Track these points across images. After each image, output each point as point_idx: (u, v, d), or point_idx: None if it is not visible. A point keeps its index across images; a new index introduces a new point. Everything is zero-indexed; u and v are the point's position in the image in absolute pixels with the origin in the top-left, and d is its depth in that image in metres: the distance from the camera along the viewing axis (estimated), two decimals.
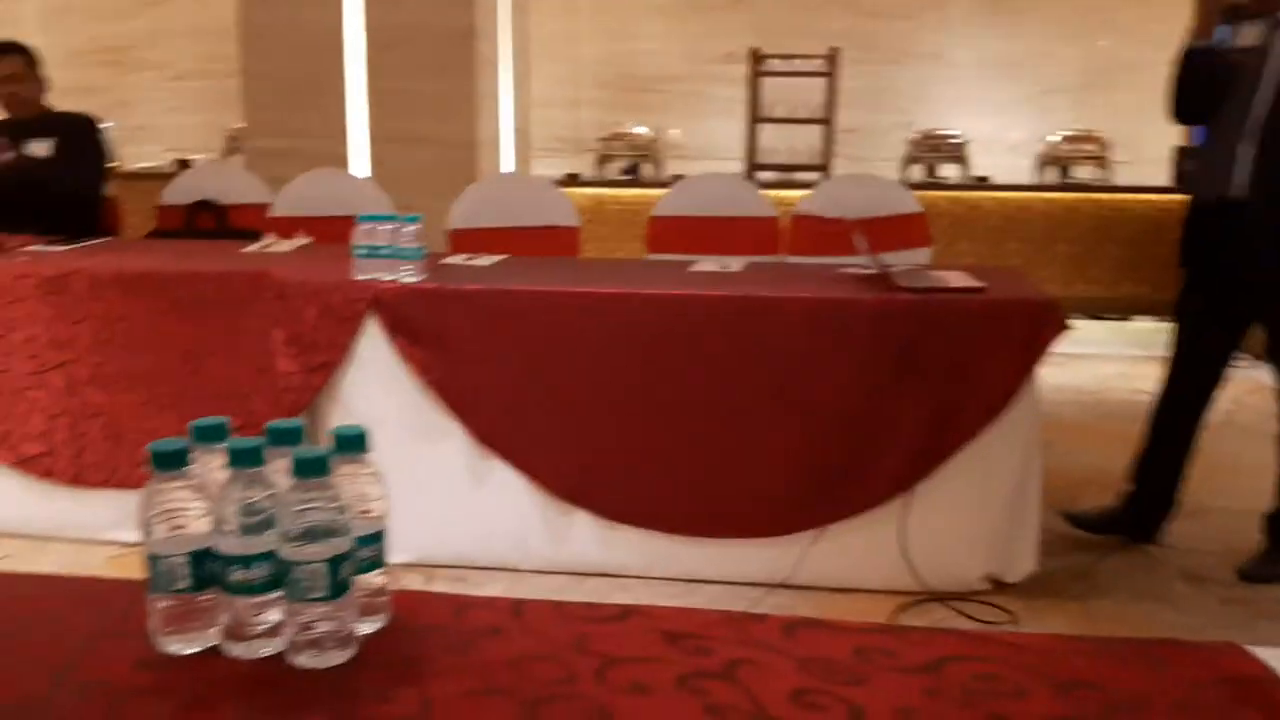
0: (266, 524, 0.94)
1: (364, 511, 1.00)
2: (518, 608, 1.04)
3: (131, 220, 4.50)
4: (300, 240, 3.56)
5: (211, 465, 0.98)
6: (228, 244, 3.59)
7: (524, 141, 5.67)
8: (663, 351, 2.79)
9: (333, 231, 3.76)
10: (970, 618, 2.69)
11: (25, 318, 3.06)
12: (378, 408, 2.95)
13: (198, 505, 0.96)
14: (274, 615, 0.96)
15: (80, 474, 3.07)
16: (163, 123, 7.92)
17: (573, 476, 2.90)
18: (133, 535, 2.92)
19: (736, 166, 6.84)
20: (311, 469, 0.93)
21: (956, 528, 2.80)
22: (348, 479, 0.97)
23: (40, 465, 3.08)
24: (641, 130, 7.01)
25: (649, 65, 7.53)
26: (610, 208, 6.32)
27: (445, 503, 2.93)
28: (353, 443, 0.99)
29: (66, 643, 0.98)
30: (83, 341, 3.04)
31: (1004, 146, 7.22)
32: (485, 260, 3.32)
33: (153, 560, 0.96)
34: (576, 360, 2.84)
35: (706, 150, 7.36)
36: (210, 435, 1.00)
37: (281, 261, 3.21)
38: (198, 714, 0.88)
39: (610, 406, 2.84)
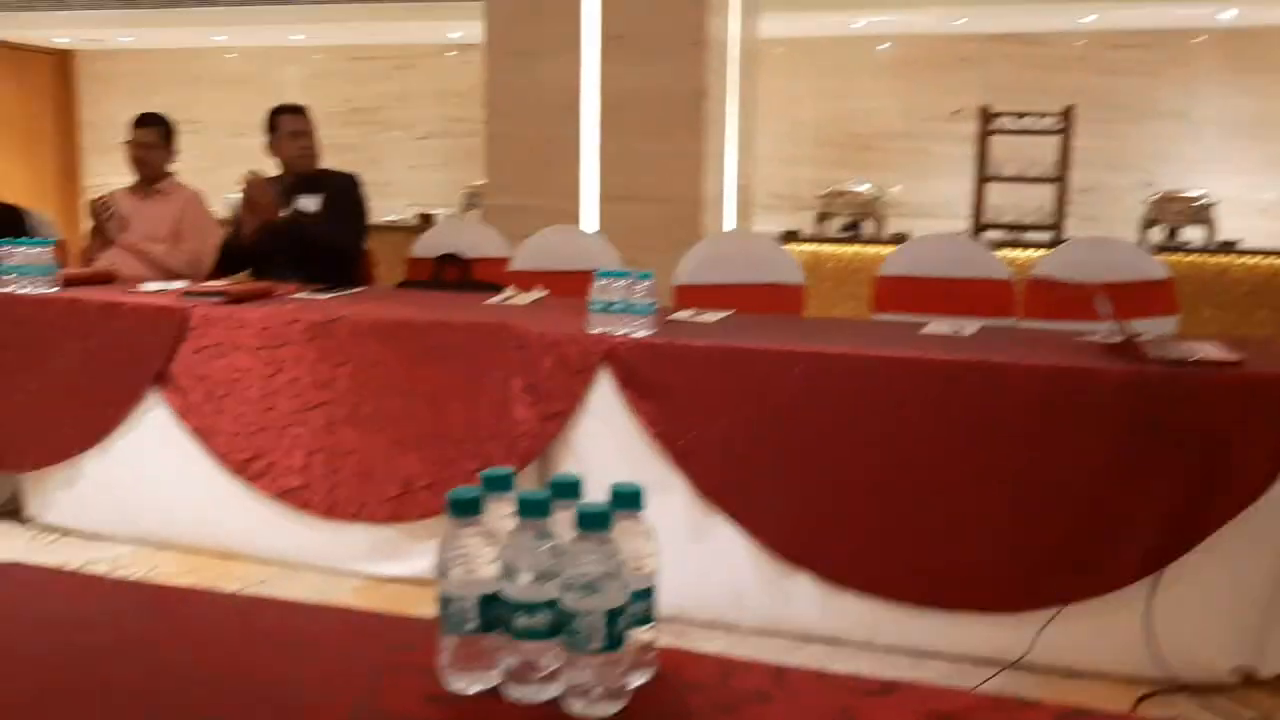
0: (550, 573, 0.99)
1: (638, 567, 1.04)
2: (780, 674, 1.06)
3: (379, 269, 4.82)
4: (538, 293, 3.72)
5: (500, 513, 1.05)
6: (471, 296, 3.80)
7: (746, 199, 5.75)
8: (893, 414, 2.76)
9: (567, 285, 3.92)
10: (1219, 714, 2.51)
11: (292, 359, 3.32)
12: (606, 457, 3.04)
13: (488, 551, 1.02)
14: (553, 661, 1.01)
15: (333, 507, 3.28)
16: (407, 179, 8.45)
17: (795, 537, 2.89)
18: (377, 567, 3.11)
19: (961, 225, 6.70)
20: (594, 523, 0.98)
21: (1207, 615, 2.62)
22: (625, 534, 1.02)
23: (298, 497, 3.32)
24: (863, 187, 6.97)
25: (870, 122, 7.50)
26: (829, 265, 6.31)
27: (666, 555, 2.96)
28: (630, 499, 1.04)
29: (359, 673, 1.06)
30: (342, 383, 3.27)
31: (1253, 209, 6.79)
32: (712, 316, 3.38)
33: (445, 601, 1.03)
34: (804, 420, 2.84)
35: (929, 208, 7.25)
36: (499, 485, 1.06)
37: (521, 314, 3.36)
38: None
39: (836, 468, 2.82)
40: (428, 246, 4.52)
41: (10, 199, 5.12)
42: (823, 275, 6.21)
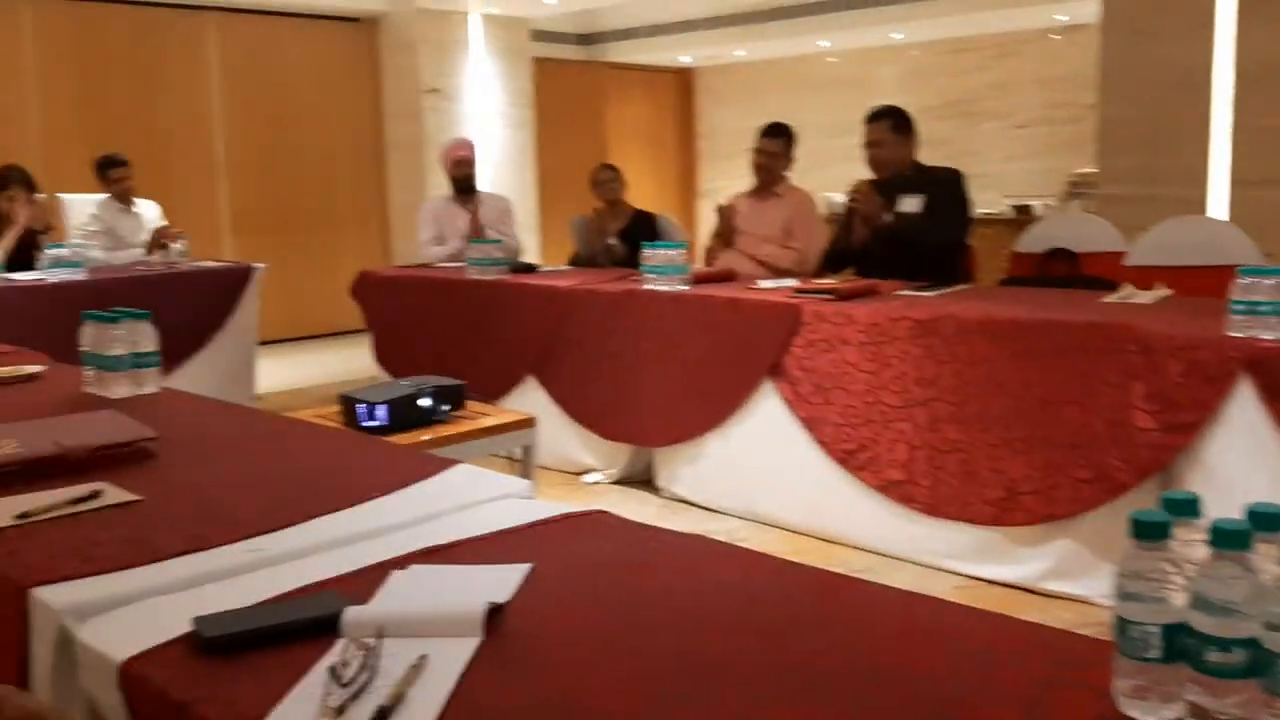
0: (1250, 610, 0.91)
1: None
2: None
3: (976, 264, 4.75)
4: (1161, 291, 3.43)
5: (1189, 538, 0.97)
6: (1082, 293, 3.61)
7: None
8: None
9: (1193, 282, 3.58)
10: None
11: (897, 356, 3.39)
12: (1243, 477, 2.72)
13: (1175, 578, 0.96)
14: (1249, 703, 0.92)
15: (934, 504, 3.31)
16: (1002, 170, 8.24)
17: None
18: (978, 569, 3.07)
19: None
20: None
21: None
22: None
23: (900, 491, 3.39)
24: None
25: None
26: None
27: None
28: None
29: (1027, 684, 1.05)
30: (945, 381, 3.28)
31: None
32: None
33: (1123, 624, 0.98)
34: None
35: None
36: (1187, 510, 0.99)
37: (1143, 314, 3.12)
38: None
39: None
40: (1034, 240, 4.37)
41: (641, 204, 5.81)
42: None
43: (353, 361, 7.26)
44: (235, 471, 1.82)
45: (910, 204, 4.22)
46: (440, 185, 7.21)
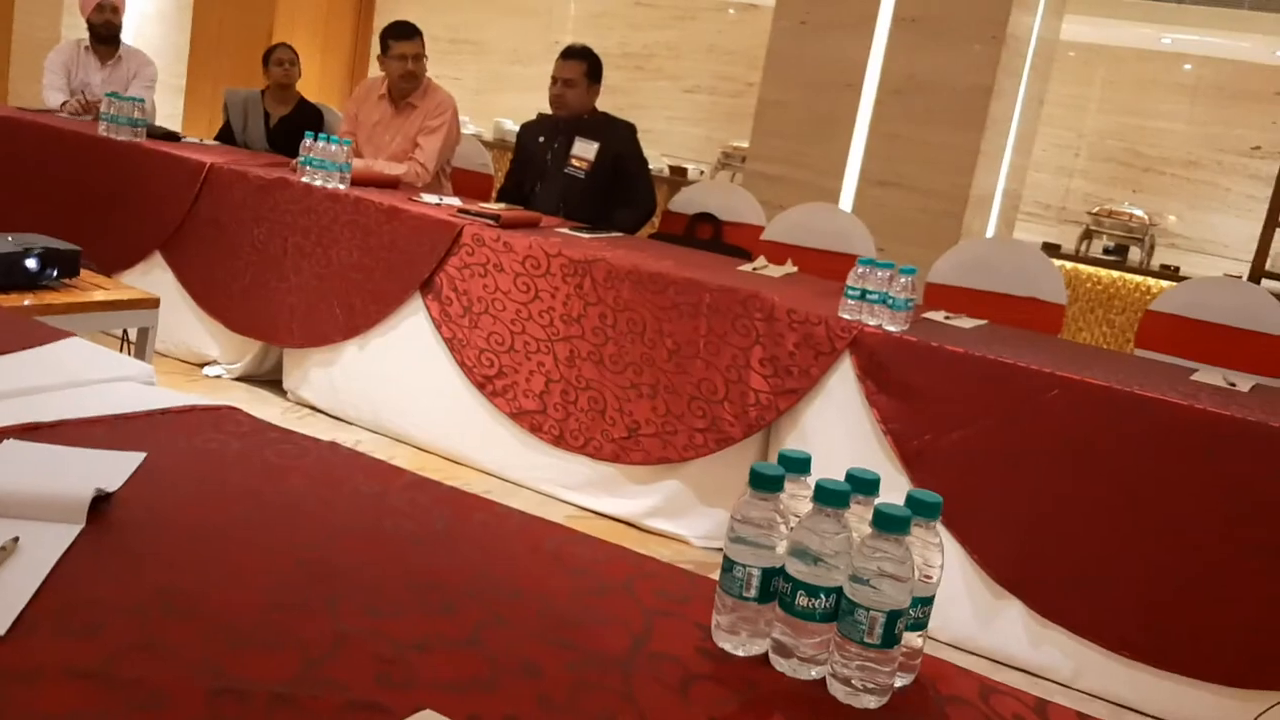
0: (839, 563, 1.02)
1: (925, 576, 1.05)
2: (1043, 707, 1.06)
3: None
4: (789, 268, 3.72)
5: (796, 493, 1.08)
6: (722, 258, 3.84)
7: (1011, 204, 5.55)
8: (1149, 459, 2.64)
9: (816, 263, 3.92)
10: None
11: (548, 290, 3.46)
12: (832, 442, 3.04)
13: (780, 528, 1.06)
14: (824, 644, 1.04)
15: (562, 437, 3.43)
16: (665, 129, 8.54)
17: (1011, 561, 2.82)
18: (591, 502, 3.23)
19: (1238, 268, 6.26)
20: (892, 525, 1.00)
21: None
22: (917, 541, 1.03)
23: (531, 420, 3.48)
24: (1137, 211, 6.60)
25: (1157, 144, 7.07)
26: (1086, 286, 6.03)
27: None
28: (929, 509, 1.05)
29: (637, 612, 1.12)
30: (589, 321, 3.39)
31: None
32: (966, 322, 3.31)
33: (729, 565, 1.07)
34: (1048, 446, 2.76)
35: (1203, 245, 6.80)
36: (799, 467, 1.10)
37: (772, 286, 3.38)
38: (751, 714, 0.98)
39: (1074, 501, 2.73)
40: (685, 202, 4.59)
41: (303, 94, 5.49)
42: (1077, 296, 5.94)
43: None
44: None
45: (585, 149, 4.29)
46: (76, 28, 6.43)
